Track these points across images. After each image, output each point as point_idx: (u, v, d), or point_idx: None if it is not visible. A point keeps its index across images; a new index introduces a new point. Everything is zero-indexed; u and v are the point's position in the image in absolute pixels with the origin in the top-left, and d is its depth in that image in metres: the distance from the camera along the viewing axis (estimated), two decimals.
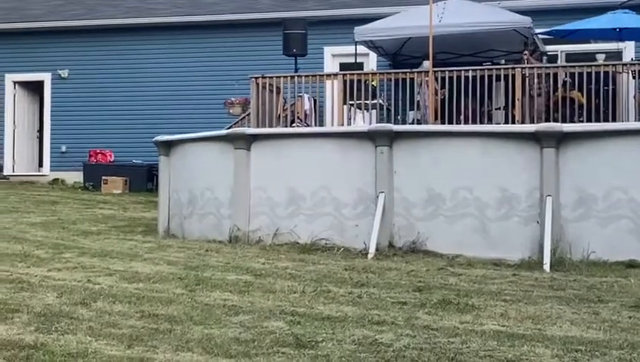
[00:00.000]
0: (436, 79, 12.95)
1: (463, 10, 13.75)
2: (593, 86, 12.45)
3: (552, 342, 5.07)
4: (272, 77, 13.82)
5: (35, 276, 7.22)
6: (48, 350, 4.81)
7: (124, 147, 19.06)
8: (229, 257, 8.44)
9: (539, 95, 12.87)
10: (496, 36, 14.25)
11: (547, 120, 12.27)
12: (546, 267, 7.85)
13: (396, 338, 5.12)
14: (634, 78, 13.09)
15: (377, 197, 8.86)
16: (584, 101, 12.61)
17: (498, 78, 12.95)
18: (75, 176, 19.10)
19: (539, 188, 8.37)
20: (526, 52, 13.43)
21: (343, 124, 13.28)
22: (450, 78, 12.83)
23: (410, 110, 13.82)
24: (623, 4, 14.80)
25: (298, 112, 14.39)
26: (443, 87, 13.06)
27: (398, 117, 13.56)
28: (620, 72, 13.00)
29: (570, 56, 16.15)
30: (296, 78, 13.78)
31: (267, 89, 13.75)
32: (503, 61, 15.25)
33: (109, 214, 13.41)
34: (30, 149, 20.96)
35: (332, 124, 13.57)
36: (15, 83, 20.53)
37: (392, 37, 14.57)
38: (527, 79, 12.72)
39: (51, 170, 19.96)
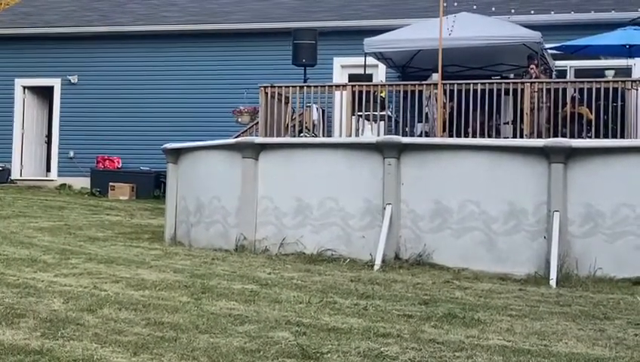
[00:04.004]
0: (444, 92, 12.96)
1: (473, 24, 13.77)
2: (602, 102, 12.43)
3: (557, 358, 5.06)
4: (280, 86, 13.84)
5: (42, 281, 7.24)
6: (54, 356, 4.81)
7: (131, 154, 19.11)
8: (235, 266, 8.45)
9: (547, 110, 12.86)
10: (505, 50, 14.26)
11: (555, 135, 12.26)
12: (553, 282, 7.84)
13: (402, 351, 5.11)
14: None
15: (384, 208, 8.86)
16: (592, 117, 12.60)
17: (507, 92, 12.96)
18: (82, 182, 19.16)
19: (546, 203, 8.36)
20: (532, 65, 13.43)
21: (351, 135, 13.29)
22: (459, 91, 12.84)
23: (418, 122, 13.83)
24: (633, 20, 14.81)
25: (306, 122, 14.41)
26: (451, 99, 13.06)
27: (406, 129, 13.57)
28: (629, 89, 12.98)
29: (580, 72, 16.15)
30: (305, 88, 13.79)
31: (276, 98, 13.77)
32: (512, 75, 15.26)
33: (116, 220, 13.43)
34: (38, 154, 21.03)
35: (340, 135, 13.57)
36: (25, 88, 20.61)
37: (401, 49, 14.59)
38: (535, 94, 12.72)
39: (59, 175, 20.02)
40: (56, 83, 20.24)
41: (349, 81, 15.60)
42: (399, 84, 13.96)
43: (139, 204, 16.64)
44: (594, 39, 14.09)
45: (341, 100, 13.91)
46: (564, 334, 5.72)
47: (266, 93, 13.67)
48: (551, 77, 14.53)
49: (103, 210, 15.25)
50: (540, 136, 12.32)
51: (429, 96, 13.38)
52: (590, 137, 12.47)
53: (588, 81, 12.70)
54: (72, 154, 19.90)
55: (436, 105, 13.01)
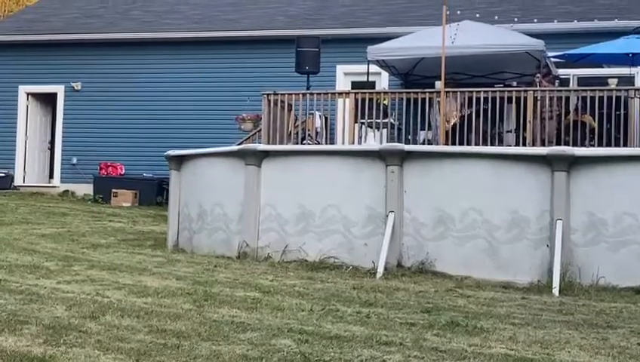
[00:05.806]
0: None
1: (475, 32, 13.78)
2: (605, 110, 12.43)
3: None
4: (283, 94, 13.86)
5: (45, 288, 7.24)
6: None
7: (134, 160, 19.13)
8: (237, 273, 8.44)
9: (550, 118, 12.86)
10: (508, 58, 14.26)
11: (558, 143, 12.26)
12: (555, 291, 7.83)
13: (404, 360, 5.10)
14: None
15: (387, 216, 8.86)
16: (595, 125, 12.60)
17: (510, 100, 12.96)
18: (85, 189, 19.17)
19: (549, 211, 8.36)
20: (538, 75, 13.43)
21: (354, 143, 13.30)
22: (462, 99, 12.84)
23: (421, 130, 13.83)
24: (636, 29, 14.82)
25: (309, 130, 14.42)
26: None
27: (409, 136, 13.58)
28: (632, 97, 12.98)
29: (582, 80, 16.14)
30: (308, 95, 13.81)
31: (279, 105, 13.78)
32: (514, 83, 15.26)
33: (119, 227, 13.44)
34: (41, 161, 21.05)
35: (343, 142, 13.58)
36: (28, 94, 20.64)
37: (404, 57, 14.60)
38: (538, 102, 12.73)
39: (62, 182, 20.03)
40: (59, 90, 20.28)
41: (352, 89, 15.61)
42: (402, 92, 13.97)
43: (141, 211, 16.64)
44: (597, 47, 14.09)
45: (344, 107, 13.93)
46: (567, 343, 5.71)
47: (269, 101, 13.69)
48: (554, 85, 14.53)
49: (106, 216, 15.25)
50: (542, 144, 12.32)
51: (433, 103, 13.39)
52: (593, 145, 12.47)
53: (591, 90, 12.70)
54: (75, 160, 19.92)
55: (439, 112, 13.02)
